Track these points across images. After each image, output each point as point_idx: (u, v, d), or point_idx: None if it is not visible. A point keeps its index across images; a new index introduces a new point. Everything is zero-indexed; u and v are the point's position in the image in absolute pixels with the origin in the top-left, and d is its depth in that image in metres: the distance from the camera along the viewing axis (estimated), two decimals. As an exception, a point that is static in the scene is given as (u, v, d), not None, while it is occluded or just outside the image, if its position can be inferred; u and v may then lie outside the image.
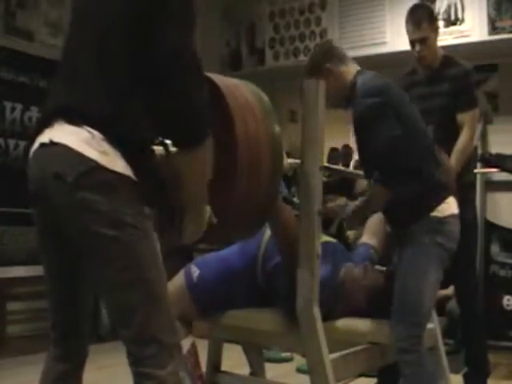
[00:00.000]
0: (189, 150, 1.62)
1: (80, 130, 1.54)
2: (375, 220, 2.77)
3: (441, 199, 2.42)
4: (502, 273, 5.23)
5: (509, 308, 5.15)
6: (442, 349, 2.72)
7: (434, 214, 2.39)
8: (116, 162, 1.54)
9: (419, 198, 2.39)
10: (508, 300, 5.15)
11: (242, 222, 2.03)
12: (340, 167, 2.84)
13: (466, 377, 3.49)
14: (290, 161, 2.19)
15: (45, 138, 1.58)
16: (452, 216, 2.44)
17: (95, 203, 1.51)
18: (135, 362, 1.60)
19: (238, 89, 1.98)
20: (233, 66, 6.80)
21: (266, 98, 2.06)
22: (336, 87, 2.46)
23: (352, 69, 2.52)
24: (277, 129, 2.03)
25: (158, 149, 1.74)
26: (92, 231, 1.53)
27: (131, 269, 1.56)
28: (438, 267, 2.38)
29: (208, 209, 1.79)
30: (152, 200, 1.65)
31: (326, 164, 2.58)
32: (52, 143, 1.56)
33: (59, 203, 1.55)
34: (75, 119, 1.56)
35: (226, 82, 1.97)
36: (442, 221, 2.40)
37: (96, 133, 1.54)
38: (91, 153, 1.52)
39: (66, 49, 1.71)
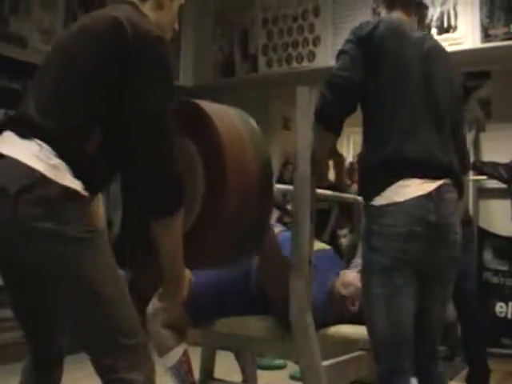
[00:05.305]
0: (162, 220, 1.63)
1: (30, 143, 1.53)
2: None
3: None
4: (495, 280, 5.22)
5: (501, 315, 5.15)
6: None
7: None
8: (64, 175, 1.53)
9: None
10: (500, 307, 5.15)
11: (233, 243, 2.03)
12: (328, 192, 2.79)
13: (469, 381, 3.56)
14: (279, 186, 2.23)
15: None
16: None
17: (36, 219, 1.49)
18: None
19: (226, 114, 2.04)
20: (226, 73, 6.79)
21: (253, 122, 2.11)
22: None
23: None
24: (265, 150, 2.07)
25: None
26: (34, 249, 1.52)
27: (79, 282, 1.56)
28: None
29: (188, 274, 1.83)
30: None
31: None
32: (1, 156, 1.54)
33: (1, 220, 1.51)
34: (26, 132, 1.55)
35: (213, 108, 2.02)
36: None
37: (46, 146, 1.53)
38: (38, 165, 1.51)
39: (41, 68, 1.73)
